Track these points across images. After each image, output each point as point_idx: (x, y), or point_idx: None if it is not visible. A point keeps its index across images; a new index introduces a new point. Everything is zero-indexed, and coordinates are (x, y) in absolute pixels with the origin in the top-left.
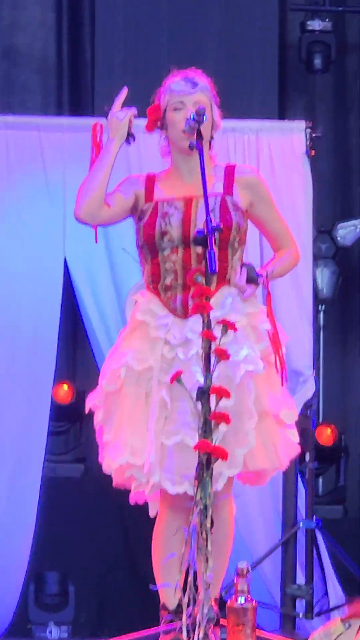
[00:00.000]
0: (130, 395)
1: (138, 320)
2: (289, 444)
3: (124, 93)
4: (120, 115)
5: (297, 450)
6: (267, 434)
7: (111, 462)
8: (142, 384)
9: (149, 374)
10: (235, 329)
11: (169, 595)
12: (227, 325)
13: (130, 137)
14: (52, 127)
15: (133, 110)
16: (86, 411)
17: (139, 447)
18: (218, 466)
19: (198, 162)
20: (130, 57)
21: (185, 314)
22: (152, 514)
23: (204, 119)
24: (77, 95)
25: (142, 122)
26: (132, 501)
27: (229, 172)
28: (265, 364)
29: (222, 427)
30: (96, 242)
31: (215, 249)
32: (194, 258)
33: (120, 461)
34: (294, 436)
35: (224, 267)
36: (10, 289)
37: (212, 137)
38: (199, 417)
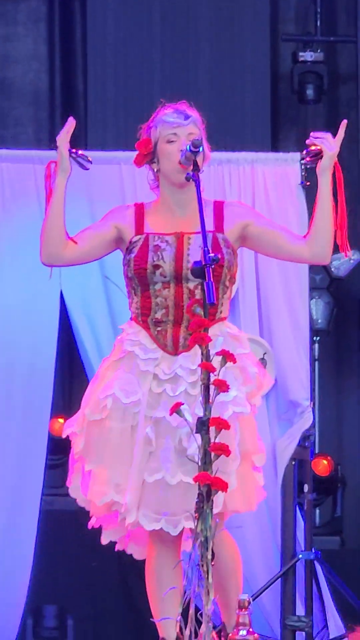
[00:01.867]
0: (115, 429)
1: (126, 351)
2: (258, 488)
3: (70, 124)
4: (60, 144)
5: (263, 494)
6: (245, 477)
7: (95, 498)
8: (128, 418)
9: (136, 408)
10: (234, 361)
11: (167, 628)
12: (227, 357)
13: (82, 162)
14: (46, 160)
15: (70, 123)
16: (63, 435)
17: (123, 484)
18: None
19: (190, 195)
20: (123, 89)
21: (175, 350)
22: (104, 541)
23: (201, 149)
24: None
25: (135, 154)
26: (96, 525)
27: (218, 208)
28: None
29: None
30: (50, 277)
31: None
32: (186, 294)
33: (106, 499)
34: (261, 479)
35: (214, 305)
36: (7, 322)
37: (202, 171)
38: (180, 453)
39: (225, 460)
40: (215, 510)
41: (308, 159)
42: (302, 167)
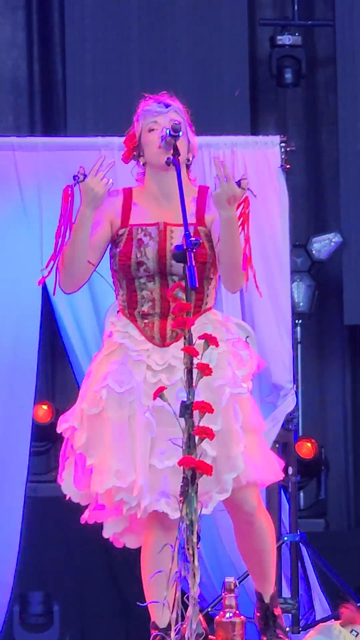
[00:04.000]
0: (112, 419)
1: (116, 343)
2: (278, 457)
3: (101, 161)
4: (99, 189)
5: (282, 463)
6: (262, 448)
7: (98, 487)
8: (125, 407)
9: (131, 397)
10: (217, 344)
11: (159, 613)
12: (209, 340)
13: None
14: (26, 147)
15: (110, 184)
16: (58, 430)
17: (125, 470)
18: (208, 490)
19: (174, 183)
20: (101, 76)
21: (162, 342)
22: (106, 535)
23: (180, 133)
24: (49, 115)
25: (117, 140)
26: (90, 521)
27: (202, 196)
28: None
29: (211, 452)
30: (53, 294)
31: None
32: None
33: (107, 485)
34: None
35: (200, 297)
36: None
37: (189, 161)
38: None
39: (229, 444)
40: (225, 495)
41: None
42: (282, 149)
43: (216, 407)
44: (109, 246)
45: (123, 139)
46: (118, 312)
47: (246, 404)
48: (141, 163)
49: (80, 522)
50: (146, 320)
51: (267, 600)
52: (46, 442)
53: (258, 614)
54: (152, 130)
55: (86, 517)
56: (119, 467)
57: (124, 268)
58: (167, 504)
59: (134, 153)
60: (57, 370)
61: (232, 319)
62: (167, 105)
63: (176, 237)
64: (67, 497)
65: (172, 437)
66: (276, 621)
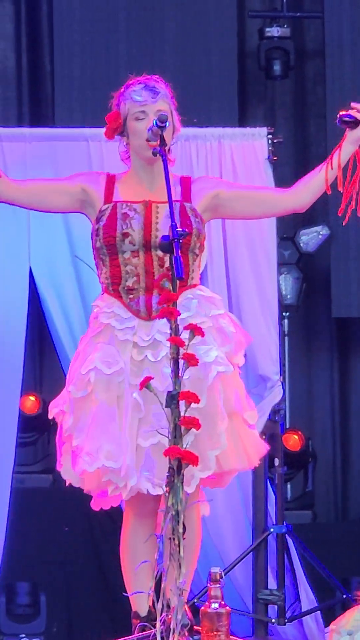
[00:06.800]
0: (101, 400)
1: (102, 324)
2: (258, 443)
3: None
4: None
5: (265, 448)
6: (237, 434)
7: (87, 466)
8: (113, 388)
9: (119, 377)
10: (203, 334)
11: (140, 602)
12: (195, 330)
13: None
14: (14, 137)
15: None
16: (49, 416)
17: (115, 451)
18: (190, 469)
19: (159, 171)
20: (89, 67)
21: (148, 316)
22: (95, 507)
23: (167, 124)
24: (37, 105)
25: (102, 131)
26: (96, 507)
27: (186, 182)
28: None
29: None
30: None
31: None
32: (155, 261)
33: (97, 465)
34: (257, 436)
35: (185, 271)
36: None
37: (172, 143)
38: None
39: (213, 420)
40: (208, 473)
41: (343, 120)
42: (269, 141)
43: (201, 384)
44: (92, 225)
45: None
46: (102, 293)
47: (230, 383)
48: (124, 143)
49: (93, 508)
50: (131, 296)
51: None
52: (34, 433)
53: None
54: (139, 120)
55: (97, 502)
56: (109, 448)
57: (109, 240)
58: (147, 479)
59: (117, 132)
60: (44, 362)
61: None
62: (155, 94)
63: (162, 214)
64: (67, 484)
65: (157, 413)
66: None
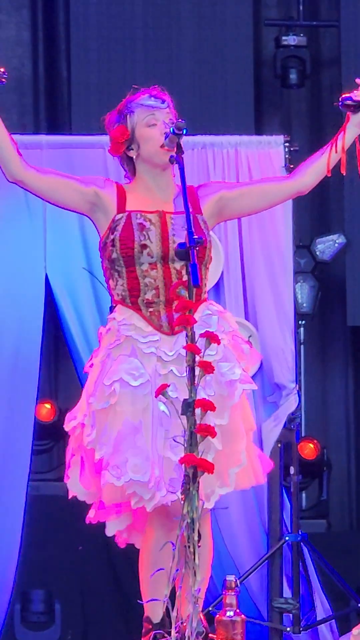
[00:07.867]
0: (126, 412)
1: (123, 336)
2: (264, 459)
3: None
4: None
5: (271, 465)
6: (250, 452)
7: (114, 480)
8: (138, 401)
9: (145, 390)
10: (218, 342)
11: (154, 608)
12: (211, 338)
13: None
14: (31, 145)
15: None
16: (66, 428)
17: (141, 464)
18: (210, 485)
19: (170, 179)
20: (106, 75)
21: (171, 331)
22: (109, 533)
23: (185, 132)
24: (54, 113)
25: None
26: (93, 521)
27: (192, 192)
28: None
29: (217, 445)
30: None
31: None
32: (174, 274)
33: (125, 479)
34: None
35: (199, 287)
36: None
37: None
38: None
39: (235, 439)
40: (227, 490)
41: (345, 103)
42: (286, 149)
43: (225, 401)
44: (103, 236)
45: None
46: (115, 306)
47: (247, 401)
48: (132, 156)
49: (85, 521)
50: (151, 309)
51: None
52: (49, 441)
53: None
54: (151, 125)
55: (91, 516)
56: (136, 461)
57: (126, 252)
58: (174, 494)
59: (125, 146)
60: (60, 370)
61: (230, 314)
62: (163, 101)
63: (176, 224)
64: (71, 496)
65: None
66: None
